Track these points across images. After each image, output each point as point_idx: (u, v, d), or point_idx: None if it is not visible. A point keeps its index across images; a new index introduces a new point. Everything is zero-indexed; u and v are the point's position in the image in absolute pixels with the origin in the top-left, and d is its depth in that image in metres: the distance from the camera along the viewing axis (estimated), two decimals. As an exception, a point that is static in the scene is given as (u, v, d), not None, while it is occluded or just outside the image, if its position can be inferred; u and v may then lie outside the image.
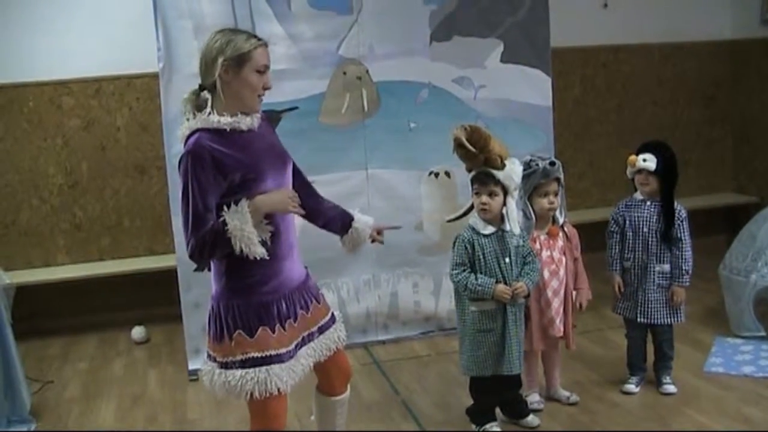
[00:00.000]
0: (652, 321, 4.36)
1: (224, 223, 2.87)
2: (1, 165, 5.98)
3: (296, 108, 5.03)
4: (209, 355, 3.09)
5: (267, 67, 3.03)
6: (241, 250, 2.88)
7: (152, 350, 5.70)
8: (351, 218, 3.45)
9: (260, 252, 2.90)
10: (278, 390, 2.99)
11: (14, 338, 4.45)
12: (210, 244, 2.89)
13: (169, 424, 4.49)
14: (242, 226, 2.86)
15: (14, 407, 4.44)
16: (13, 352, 4.42)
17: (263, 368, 2.98)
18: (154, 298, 6.03)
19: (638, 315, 4.36)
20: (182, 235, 5.02)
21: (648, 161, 4.23)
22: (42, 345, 5.84)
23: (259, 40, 3.02)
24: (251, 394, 2.97)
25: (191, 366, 5.09)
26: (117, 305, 6.20)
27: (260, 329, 3.00)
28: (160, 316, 5.94)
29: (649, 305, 4.33)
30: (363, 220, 3.48)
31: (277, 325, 3.05)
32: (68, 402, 4.86)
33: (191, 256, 2.95)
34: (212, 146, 2.92)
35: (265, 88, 3.04)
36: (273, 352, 3.01)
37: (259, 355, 2.99)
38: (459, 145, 3.75)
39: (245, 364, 2.98)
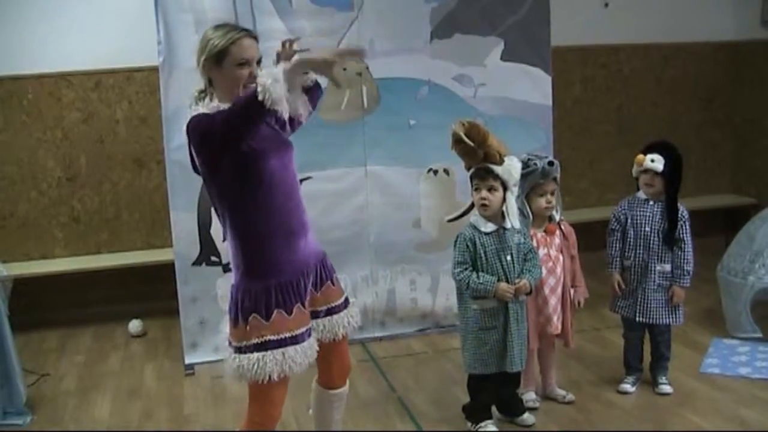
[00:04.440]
0: (651, 321, 4.36)
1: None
2: (0, 157, 5.98)
3: (296, 103, 5.01)
4: (229, 342, 3.10)
5: (250, 59, 2.99)
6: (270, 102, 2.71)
7: (149, 344, 5.70)
8: None
9: (282, 104, 2.73)
10: (293, 372, 3.01)
11: (11, 330, 4.45)
12: (235, 107, 2.82)
13: (165, 418, 4.49)
14: (267, 74, 2.74)
15: (10, 399, 4.44)
16: (10, 344, 4.42)
17: (279, 350, 2.99)
18: (151, 291, 6.04)
19: (637, 314, 4.35)
20: (180, 229, 5.09)
21: (656, 162, 4.21)
22: (39, 337, 5.84)
23: (240, 32, 3.01)
24: (269, 377, 2.97)
25: (188, 360, 5.11)
26: (114, 298, 6.20)
27: (276, 312, 3.01)
28: (157, 309, 5.94)
29: (649, 305, 4.33)
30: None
31: (298, 304, 3.07)
32: (64, 395, 4.86)
33: (227, 126, 2.81)
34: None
35: (252, 78, 2.96)
36: (288, 335, 3.02)
37: (275, 338, 3.00)
38: (458, 141, 3.75)
39: (261, 347, 2.99)
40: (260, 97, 2.70)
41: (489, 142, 3.74)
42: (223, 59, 2.97)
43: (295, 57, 3.01)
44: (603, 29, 6.90)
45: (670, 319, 4.37)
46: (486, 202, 3.83)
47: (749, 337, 5.02)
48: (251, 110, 2.76)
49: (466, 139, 3.71)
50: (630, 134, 6.95)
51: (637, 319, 4.36)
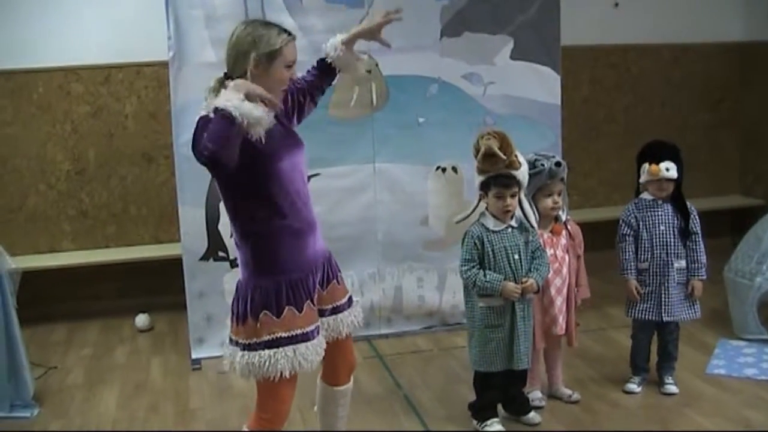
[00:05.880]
0: (676, 318, 4.36)
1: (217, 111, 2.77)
2: (9, 150, 5.99)
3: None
4: (231, 340, 3.11)
5: (295, 61, 3.08)
6: (242, 123, 2.76)
7: (155, 338, 5.72)
8: (323, 60, 3.38)
9: (258, 114, 2.80)
10: (303, 369, 3.03)
11: (19, 323, 4.47)
12: (214, 132, 2.76)
13: (171, 412, 4.50)
14: (229, 97, 2.78)
15: (18, 392, 4.46)
16: (18, 337, 4.44)
17: (290, 347, 3.00)
18: (158, 286, 6.04)
19: (664, 314, 4.33)
20: (188, 224, 5.10)
21: (671, 170, 4.23)
22: (46, 330, 5.85)
23: (290, 35, 3.07)
24: (281, 374, 2.98)
25: (194, 355, 5.12)
26: (121, 293, 6.23)
27: (287, 309, 3.03)
28: (164, 304, 5.96)
29: (672, 303, 4.33)
30: (332, 46, 3.37)
31: (308, 302, 3.09)
32: (71, 388, 4.88)
33: (206, 154, 2.77)
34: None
35: (291, 80, 3.11)
36: (299, 332, 3.04)
37: (287, 335, 3.01)
38: (491, 155, 3.73)
39: (272, 344, 3.00)
40: (238, 121, 2.73)
41: (515, 152, 3.75)
42: (275, 59, 3.01)
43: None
44: (612, 29, 6.89)
45: (691, 314, 4.39)
46: (510, 208, 3.84)
47: (756, 338, 5.02)
48: (231, 135, 2.75)
49: (501, 154, 3.71)
50: (638, 134, 6.91)
51: (664, 318, 4.34)
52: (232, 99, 2.77)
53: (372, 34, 3.41)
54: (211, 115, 2.77)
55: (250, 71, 3.00)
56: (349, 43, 3.39)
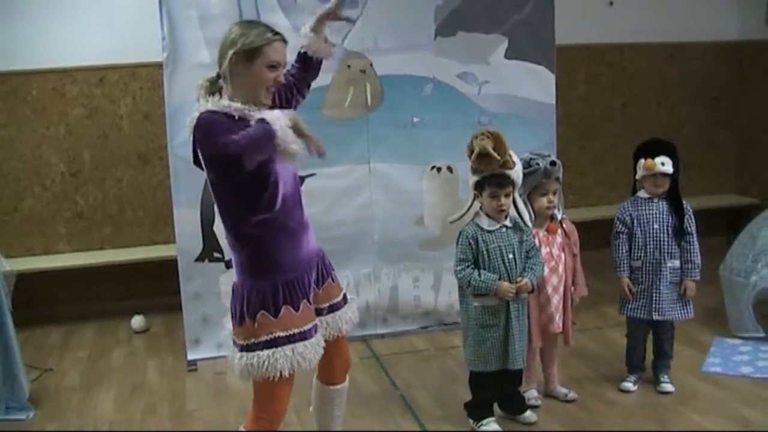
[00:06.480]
0: (667, 317, 4.35)
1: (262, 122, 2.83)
2: (4, 152, 5.99)
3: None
4: (234, 342, 3.11)
5: (280, 63, 3.05)
6: (278, 146, 2.81)
7: (152, 340, 5.71)
8: (303, 53, 3.39)
9: (296, 148, 2.85)
10: (302, 368, 3.03)
11: (14, 325, 4.46)
12: (253, 136, 2.80)
13: (167, 413, 4.49)
14: (278, 117, 2.83)
15: (13, 394, 4.44)
16: (13, 339, 4.43)
17: (289, 347, 3.00)
18: (154, 287, 6.04)
19: (653, 313, 4.33)
20: (183, 225, 5.09)
21: (666, 165, 4.23)
22: (42, 333, 5.85)
23: (276, 35, 3.04)
24: (281, 374, 2.98)
25: (190, 356, 5.12)
26: (117, 294, 6.22)
27: (284, 308, 3.02)
28: (160, 305, 5.95)
29: (663, 302, 4.32)
30: (303, 35, 3.37)
31: (304, 300, 3.09)
32: (67, 390, 4.86)
33: (237, 153, 2.80)
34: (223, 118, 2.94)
35: (277, 82, 3.07)
36: (297, 330, 3.03)
37: (284, 334, 3.01)
38: (485, 155, 3.73)
39: (270, 344, 2.99)
40: (277, 142, 2.77)
41: (509, 151, 3.75)
42: (255, 58, 2.99)
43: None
44: (608, 28, 6.90)
45: (683, 314, 4.38)
46: (504, 208, 3.84)
47: (751, 336, 5.02)
48: (265, 148, 2.81)
49: (495, 154, 3.70)
50: (634, 133, 6.91)
51: (654, 317, 4.34)
52: (281, 120, 2.80)
53: (331, 15, 3.34)
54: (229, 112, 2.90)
55: (229, 68, 2.99)
56: (316, 29, 3.35)
